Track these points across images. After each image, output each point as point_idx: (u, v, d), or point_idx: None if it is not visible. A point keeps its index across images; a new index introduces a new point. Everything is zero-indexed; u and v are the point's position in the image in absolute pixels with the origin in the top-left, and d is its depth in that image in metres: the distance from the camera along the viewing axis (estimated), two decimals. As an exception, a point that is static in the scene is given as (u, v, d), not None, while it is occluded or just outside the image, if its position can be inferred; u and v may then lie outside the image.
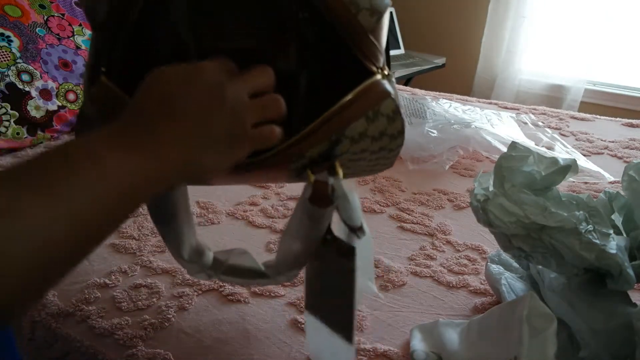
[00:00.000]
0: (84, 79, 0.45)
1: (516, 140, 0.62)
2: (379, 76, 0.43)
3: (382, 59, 0.44)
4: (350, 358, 0.48)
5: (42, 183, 0.28)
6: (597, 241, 0.51)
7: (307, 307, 0.53)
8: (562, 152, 1.21)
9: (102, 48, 0.42)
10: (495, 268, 0.69)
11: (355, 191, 0.44)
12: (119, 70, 0.42)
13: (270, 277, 0.52)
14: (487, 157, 1.17)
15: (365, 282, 0.49)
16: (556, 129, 1.41)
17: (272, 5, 0.41)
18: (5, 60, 1.03)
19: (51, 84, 1.09)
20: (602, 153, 1.26)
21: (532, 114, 1.50)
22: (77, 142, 0.32)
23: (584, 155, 1.22)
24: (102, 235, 0.31)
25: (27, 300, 0.28)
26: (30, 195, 0.27)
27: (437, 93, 1.69)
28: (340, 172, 0.43)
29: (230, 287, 0.69)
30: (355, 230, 0.44)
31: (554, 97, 2.43)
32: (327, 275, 0.48)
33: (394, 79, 0.45)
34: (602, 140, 1.35)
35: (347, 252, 0.44)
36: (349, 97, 0.41)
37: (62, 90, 1.10)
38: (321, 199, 0.43)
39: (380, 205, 0.94)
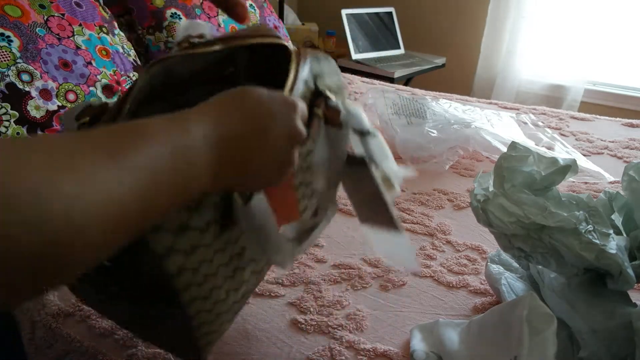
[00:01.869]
0: None
1: (516, 140, 0.62)
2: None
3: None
4: (406, 242, 0.55)
5: (110, 147, 0.27)
6: (597, 241, 0.51)
7: (360, 221, 0.57)
8: (562, 152, 1.21)
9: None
10: (495, 268, 0.69)
11: (356, 105, 0.51)
12: None
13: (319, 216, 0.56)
14: (487, 157, 1.17)
15: (392, 167, 0.55)
16: (556, 129, 1.41)
17: None
18: (5, 60, 1.03)
19: (51, 84, 1.09)
20: (602, 153, 1.26)
21: (532, 114, 1.51)
22: (159, 121, 0.31)
23: (584, 155, 1.22)
24: (153, 212, 0.29)
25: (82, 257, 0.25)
26: (100, 156, 0.26)
27: (437, 93, 1.69)
28: (333, 96, 0.49)
29: (230, 287, 0.69)
30: (366, 134, 0.51)
31: (554, 97, 2.44)
32: (357, 187, 0.55)
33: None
34: (602, 140, 1.35)
35: (361, 161, 0.52)
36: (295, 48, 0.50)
37: (62, 90, 1.10)
38: (335, 117, 0.48)
39: (380, 205, 0.94)
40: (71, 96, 1.13)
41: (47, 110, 1.09)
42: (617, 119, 1.53)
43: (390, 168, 0.54)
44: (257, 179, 0.38)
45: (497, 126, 1.24)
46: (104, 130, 0.29)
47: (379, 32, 2.47)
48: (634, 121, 1.50)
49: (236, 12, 0.48)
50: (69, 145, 0.26)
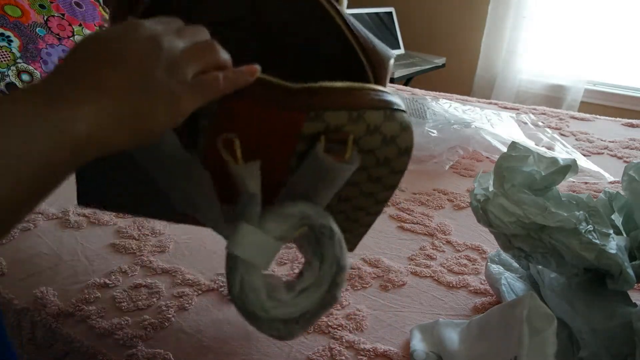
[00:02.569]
0: None
1: (516, 140, 0.62)
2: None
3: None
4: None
5: None
6: (597, 241, 0.51)
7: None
8: (562, 152, 1.21)
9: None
10: (495, 268, 0.69)
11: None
12: None
13: None
14: (487, 157, 1.17)
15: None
16: (556, 129, 1.41)
17: None
18: (5, 61, 1.03)
19: (51, 84, 1.09)
20: (602, 153, 1.26)
21: (532, 114, 1.51)
22: (10, 97, 0.30)
23: (584, 155, 1.22)
24: (42, 188, 0.29)
25: None
26: None
27: (437, 93, 1.69)
28: (351, 149, 0.43)
29: (230, 287, 0.69)
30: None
31: (554, 97, 2.44)
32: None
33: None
34: (602, 140, 1.35)
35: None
36: (377, 87, 0.44)
37: (62, 90, 1.10)
38: (338, 150, 0.43)
39: (380, 205, 0.94)
40: (71, 96, 1.13)
41: None
42: (617, 119, 1.53)
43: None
44: (151, 99, 0.33)
45: (497, 126, 1.24)
46: None
47: (379, 32, 2.47)
48: (634, 121, 1.50)
49: None
50: None
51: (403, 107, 0.44)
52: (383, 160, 0.46)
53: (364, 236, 0.60)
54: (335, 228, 0.45)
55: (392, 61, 0.47)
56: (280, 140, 0.43)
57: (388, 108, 0.43)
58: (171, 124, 0.35)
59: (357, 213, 0.54)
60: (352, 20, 0.45)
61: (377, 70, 0.45)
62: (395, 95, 0.45)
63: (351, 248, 0.62)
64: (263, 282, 0.42)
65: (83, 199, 0.57)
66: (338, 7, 0.44)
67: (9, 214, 0.28)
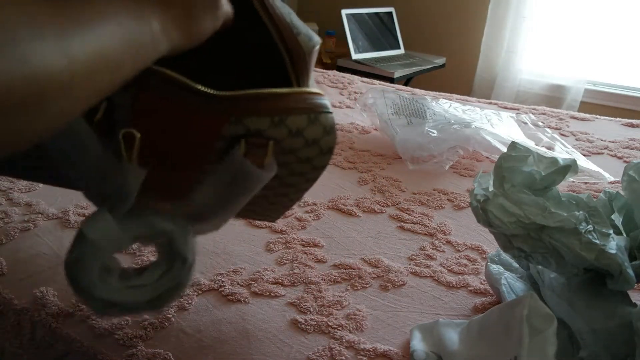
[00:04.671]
0: None
1: (516, 140, 0.62)
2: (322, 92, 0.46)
3: (308, 83, 0.47)
4: None
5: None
6: (597, 241, 0.51)
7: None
8: (562, 152, 1.21)
9: None
10: (495, 268, 0.69)
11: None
12: None
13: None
14: (487, 157, 1.17)
15: None
16: (556, 129, 1.41)
17: None
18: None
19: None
20: (602, 153, 1.27)
21: (532, 114, 1.51)
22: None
23: (584, 155, 1.22)
24: (111, 76, 0.31)
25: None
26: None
27: (437, 93, 1.69)
28: (270, 156, 0.44)
29: (230, 286, 0.69)
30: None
31: (554, 97, 2.44)
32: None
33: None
34: (602, 140, 1.35)
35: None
36: (306, 90, 0.44)
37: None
38: (258, 153, 0.44)
39: (380, 205, 0.94)
40: (71, 96, 1.13)
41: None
42: (617, 119, 1.53)
43: None
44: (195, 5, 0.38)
45: (497, 126, 1.24)
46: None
47: (379, 32, 2.47)
48: (634, 121, 1.50)
49: None
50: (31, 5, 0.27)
51: (328, 108, 0.45)
52: (304, 159, 0.47)
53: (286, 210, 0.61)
54: (192, 256, 0.46)
55: (317, 47, 0.47)
56: (198, 140, 0.44)
57: (312, 112, 0.44)
58: (212, 30, 0.40)
59: (278, 199, 0.55)
60: (276, 3, 0.44)
61: (296, 65, 0.45)
62: (322, 96, 0.46)
63: (273, 220, 0.65)
64: (100, 262, 0.44)
65: None
66: None
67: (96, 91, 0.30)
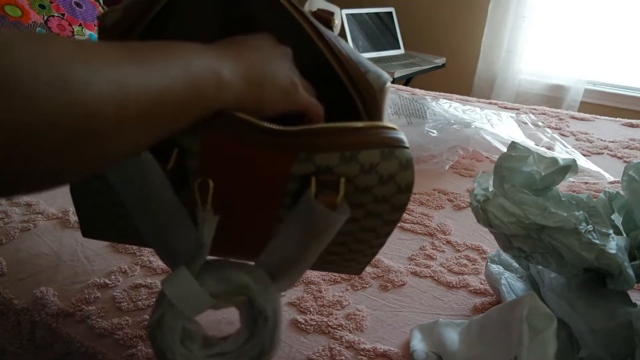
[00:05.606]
0: None
1: (516, 140, 0.62)
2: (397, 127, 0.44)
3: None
4: None
5: (125, 48, 0.29)
6: (597, 241, 0.51)
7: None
8: (562, 152, 1.21)
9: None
10: (495, 268, 0.69)
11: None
12: None
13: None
14: (487, 157, 1.17)
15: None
16: (556, 129, 1.41)
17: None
18: (5, 60, 1.03)
19: (51, 84, 1.09)
20: (602, 153, 1.27)
21: (532, 114, 1.51)
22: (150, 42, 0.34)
23: (584, 155, 1.22)
24: (165, 119, 0.31)
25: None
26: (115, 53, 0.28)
27: (437, 93, 1.69)
28: (342, 195, 0.41)
29: (230, 287, 0.69)
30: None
31: (554, 97, 2.44)
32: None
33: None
34: (602, 140, 1.35)
35: None
36: (378, 123, 0.42)
37: (62, 90, 1.10)
38: (330, 193, 0.41)
39: (380, 205, 0.94)
40: (71, 96, 1.13)
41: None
42: (617, 119, 1.53)
43: None
44: (269, 89, 0.38)
45: (497, 126, 1.24)
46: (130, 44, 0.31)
47: (379, 32, 2.47)
48: (634, 121, 1.50)
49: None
50: (91, 45, 0.28)
51: (404, 142, 0.42)
52: (381, 198, 0.44)
53: (369, 263, 0.58)
54: (274, 314, 0.43)
55: (387, 85, 0.45)
56: (268, 182, 0.42)
57: (386, 146, 0.41)
58: (284, 106, 0.39)
59: (358, 246, 0.52)
60: (341, 44, 0.43)
61: (366, 104, 0.44)
62: (396, 130, 0.42)
63: (358, 273, 0.61)
64: (182, 327, 0.42)
65: (86, 233, 0.59)
66: (321, 30, 0.42)
67: (159, 128, 0.31)
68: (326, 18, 0.44)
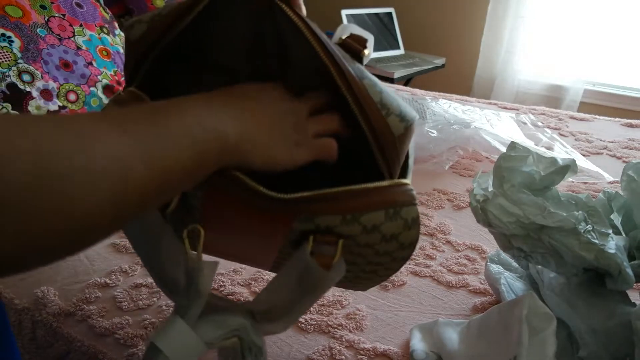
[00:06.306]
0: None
1: (515, 140, 0.62)
2: (408, 181, 0.42)
3: (399, 169, 0.43)
4: None
5: (124, 119, 0.29)
6: (596, 241, 0.51)
7: None
8: (562, 152, 1.21)
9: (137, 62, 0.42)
10: (494, 268, 0.69)
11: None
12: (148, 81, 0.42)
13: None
14: (486, 157, 1.17)
15: None
16: (555, 129, 1.41)
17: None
18: (6, 61, 1.03)
19: (52, 84, 1.09)
20: (602, 153, 1.27)
21: (532, 114, 1.51)
22: (155, 103, 0.34)
23: (583, 155, 1.23)
24: (170, 187, 0.31)
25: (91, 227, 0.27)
26: (111, 127, 0.28)
27: (437, 93, 1.69)
28: (339, 256, 0.40)
29: (230, 286, 0.69)
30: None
31: (553, 97, 2.44)
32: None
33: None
34: (601, 140, 1.35)
35: None
36: (384, 183, 0.40)
37: (63, 90, 1.10)
38: (327, 251, 0.40)
39: (380, 205, 0.94)
40: (72, 96, 1.13)
41: (48, 111, 1.09)
42: (617, 119, 1.53)
43: None
44: (265, 144, 0.38)
45: (497, 126, 1.24)
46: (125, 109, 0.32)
47: (378, 32, 2.47)
48: (633, 121, 1.50)
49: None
50: (79, 118, 0.28)
51: (413, 200, 0.40)
52: (382, 252, 0.43)
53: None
54: (263, 350, 0.43)
55: (412, 126, 0.41)
56: (267, 236, 0.42)
57: (392, 207, 0.39)
58: (286, 165, 0.39)
59: (362, 280, 0.51)
60: (365, 82, 0.39)
61: (384, 151, 0.40)
62: (406, 186, 0.40)
63: (363, 289, 0.61)
64: None
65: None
66: (343, 67, 0.38)
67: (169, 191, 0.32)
68: (356, 49, 0.41)
